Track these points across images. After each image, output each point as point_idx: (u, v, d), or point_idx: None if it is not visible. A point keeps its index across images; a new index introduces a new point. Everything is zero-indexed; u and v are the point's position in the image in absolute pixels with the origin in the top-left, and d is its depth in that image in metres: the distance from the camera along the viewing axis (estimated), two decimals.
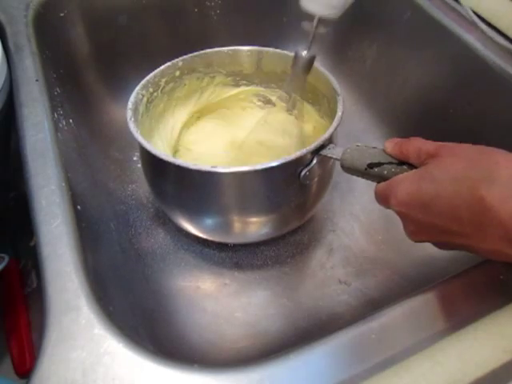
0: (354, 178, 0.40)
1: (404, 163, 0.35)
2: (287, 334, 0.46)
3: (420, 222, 0.32)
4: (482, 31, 0.52)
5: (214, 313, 0.48)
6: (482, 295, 0.33)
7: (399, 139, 0.36)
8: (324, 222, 0.56)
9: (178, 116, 0.56)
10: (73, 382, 0.28)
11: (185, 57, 0.52)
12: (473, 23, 0.53)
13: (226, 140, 0.56)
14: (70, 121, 0.52)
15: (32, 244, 0.54)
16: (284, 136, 0.53)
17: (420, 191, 0.31)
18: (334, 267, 0.52)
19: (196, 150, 0.55)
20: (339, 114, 0.44)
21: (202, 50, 0.53)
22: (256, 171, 0.40)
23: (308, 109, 0.55)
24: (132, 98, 0.46)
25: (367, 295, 0.49)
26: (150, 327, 0.42)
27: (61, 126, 0.46)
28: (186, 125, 0.57)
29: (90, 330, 0.30)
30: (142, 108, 0.48)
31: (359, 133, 0.66)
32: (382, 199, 0.35)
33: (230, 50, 0.54)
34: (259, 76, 0.57)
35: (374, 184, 0.37)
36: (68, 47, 0.60)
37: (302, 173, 0.42)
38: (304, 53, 0.44)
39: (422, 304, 0.33)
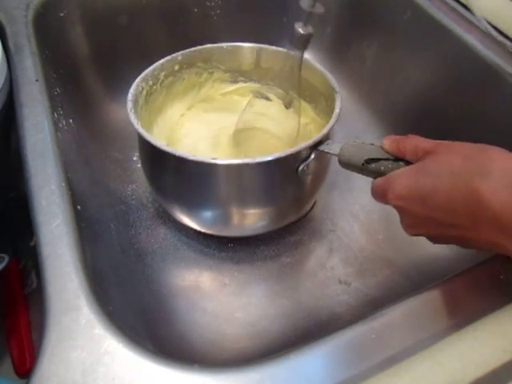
0: (354, 177, 0.40)
1: (401, 160, 0.36)
2: (287, 333, 0.46)
3: (417, 216, 0.32)
4: (482, 31, 0.52)
5: (214, 313, 0.48)
6: (482, 295, 0.33)
7: (397, 136, 0.37)
8: (324, 222, 0.56)
9: (176, 110, 0.57)
10: (73, 382, 0.28)
11: (184, 51, 0.53)
12: (472, 24, 0.53)
13: (216, 127, 0.56)
14: (70, 121, 0.52)
15: (32, 244, 0.54)
16: (277, 124, 0.53)
17: (418, 185, 0.32)
18: (334, 267, 0.52)
19: (186, 142, 0.55)
20: (337, 110, 0.44)
21: None
22: (254, 164, 0.41)
23: (304, 106, 0.55)
24: (132, 90, 0.47)
25: (367, 295, 0.49)
26: (150, 327, 0.42)
27: (61, 125, 0.46)
28: (182, 118, 0.57)
29: (89, 329, 0.30)
30: (141, 101, 0.49)
31: (359, 132, 0.66)
32: (380, 194, 0.36)
33: (230, 45, 0.54)
34: (257, 73, 0.57)
35: None
36: (68, 47, 0.60)
37: (300, 167, 0.43)
38: (300, 30, 0.44)
39: (422, 304, 0.33)
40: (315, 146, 0.42)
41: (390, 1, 0.61)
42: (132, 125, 0.43)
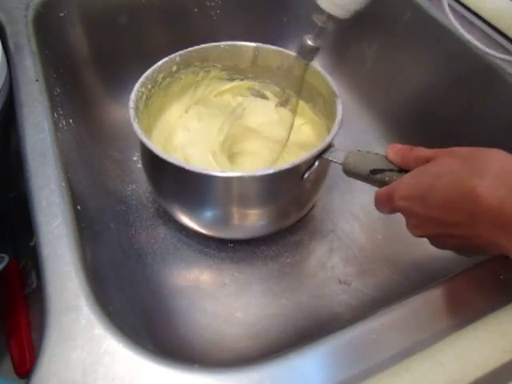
0: None
1: (405, 171, 0.37)
2: (287, 333, 0.46)
3: (419, 215, 0.33)
4: (482, 31, 0.52)
5: (214, 313, 0.48)
6: (482, 295, 0.33)
7: (401, 146, 0.38)
8: (324, 222, 0.56)
9: (174, 111, 0.57)
10: (73, 382, 0.28)
11: (182, 52, 0.53)
12: (472, 24, 0.53)
13: (214, 130, 0.56)
14: (70, 121, 0.51)
15: (32, 244, 0.54)
16: (271, 123, 0.53)
17: (419, 184, 0.33)
18: (334, 267, 0.52)
19: (184, 146, 0.55)
20: (339, 117, 0.44)
21: None
22: (256, 176, 0.41)
23: (302, 105, 0.55)
24: (133, 96, 0.47)
25: (367, 295, 0.49)
26: (150, 327, 0.42)
27: (61, 125, 0.46)
28: (180, 120, 0.57)
29: (89, 330, 0.30)
30: (141, 105, 0.49)
31: (359, 133, 0.66)
32: (384, 200, 0.36)
33: (227, 44, 0.54)
34: (254, 71, 0.57)
35: None
36: (68, 47, 0.60)
37: (306, 175, 0.43)
38: (309, 42, 0.44)
39: (422, 304, 0.33)
40: (320, 155, 0.43)
41: (390, 1, 0.61)
42: (133, 130, 0.43)
